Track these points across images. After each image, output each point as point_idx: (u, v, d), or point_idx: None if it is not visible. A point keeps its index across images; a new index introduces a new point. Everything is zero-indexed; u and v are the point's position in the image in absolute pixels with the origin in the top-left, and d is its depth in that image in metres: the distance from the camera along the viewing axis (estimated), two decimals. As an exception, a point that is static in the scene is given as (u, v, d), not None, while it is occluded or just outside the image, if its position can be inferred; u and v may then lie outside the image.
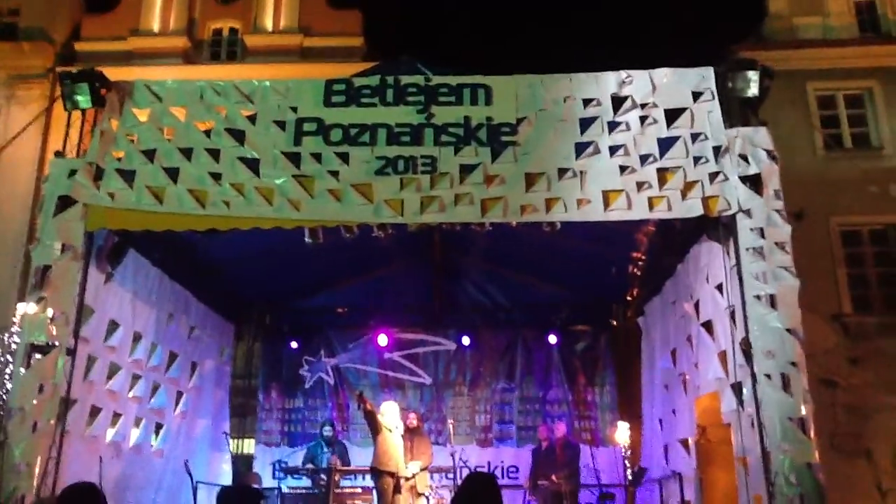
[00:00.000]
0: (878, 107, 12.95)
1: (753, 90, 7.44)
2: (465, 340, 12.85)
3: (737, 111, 7.61)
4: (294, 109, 7.65)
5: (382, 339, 12.72)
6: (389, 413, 9.29)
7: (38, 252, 7.39)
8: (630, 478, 10.81)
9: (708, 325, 8.11)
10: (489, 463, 12.29)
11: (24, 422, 6.89)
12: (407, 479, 8.92)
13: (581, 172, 7.37)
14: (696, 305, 8.51)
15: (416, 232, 8.30)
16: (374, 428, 9.12)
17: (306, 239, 8.01)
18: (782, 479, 6.35)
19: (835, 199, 12.06)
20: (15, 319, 9.20)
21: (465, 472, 9.30)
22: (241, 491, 5.34)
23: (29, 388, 7.02)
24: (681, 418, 9.39)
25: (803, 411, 6.58)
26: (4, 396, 8.40)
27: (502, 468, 12.28)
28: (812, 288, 8.48)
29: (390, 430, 9.04)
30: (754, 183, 7.24)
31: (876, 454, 8.02)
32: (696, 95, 7.55)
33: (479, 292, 13.07)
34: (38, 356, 7.12)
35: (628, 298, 11.91)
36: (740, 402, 6.97)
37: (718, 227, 7.48)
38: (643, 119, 7.53)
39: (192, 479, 9.65)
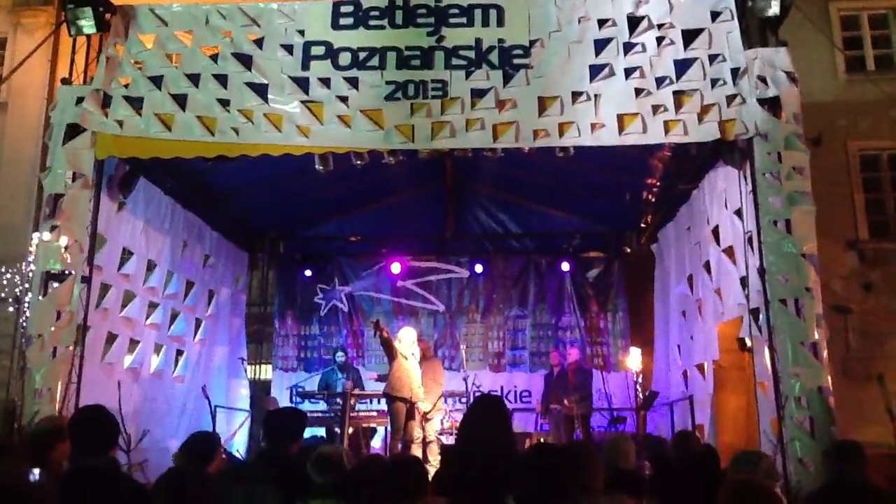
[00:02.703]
0: (904, 27, 12.53)
1: (774, 9, 7.18)
2: (478, 268, 12.89)
3: (756, 32, 7.38)
4: (301, 32, 7.48)
5: (395, 267, 12.78)
6: (406, 339, 9.35)
7: (50, 181, 7.39)
8: (641, 401, 10.94)
9: (729, 251, 8.05)
10: (502, 388, 12.45)
11: (44, 348, 7.01)
12: (416, 404, 9.00)
13: (595, 96, 7.21)
14: (715, 231, 8.44)
15: (427, 158, 8.21)
16: (391, 354, 9.20)
17: (317, 166, 7.97)
18: (792, 402, 6.39)
19: (855, 123, 11.77)
20: (31, 249, 9.26)
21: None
22: (289, 413, 5.44)
23: (46, 316, 7.12)
24: (698, 344, 9.44)
25: (815, 336, 6.58)
26: (24, 324, 8.51)
27: (515, 392, 12.47)
28: (828, 214, 8.38)
29: (405, 357, 9.12)
30: (772, 106, 7.06)
31: (887, 378, 8.02)
32: (715, 15, 7.32)
33: (491, 220, 13.05)
34: (54, 284, 7.20)
35: (642, 225, 11.86)
36: (758, 327, 6.98)
37: (735, 151, 7.34)
38: (660, 40, 7.32)
39: (210, 403, 9.88)
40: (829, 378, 6.55)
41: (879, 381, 7.79)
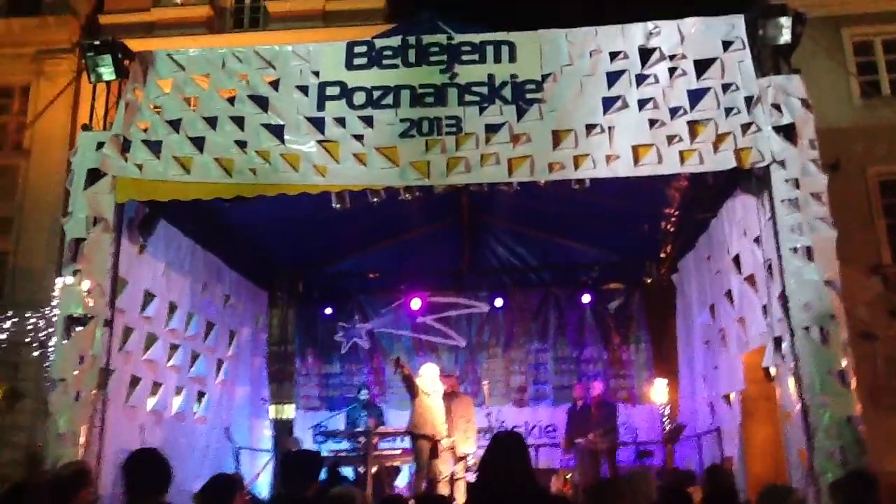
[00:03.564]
0: (917, 52, 12.51)
1: (786, 37, 7.19)
2: (498, 302, 12.84)
3: (769, 60, 7.38)
4: (316, 74, 7.58)
5: (415, 303, 12.78)
6: (428, 375, 9.31)
7: (71, 225, 7.48)
8: (667, 435, 10.78)
9: (751, 279, 7.97)
10: (526, 423, 12.32)
11: (67, 392, 7.04)
12: (439, 441, 8.94)
13: (609, 128, 7.22)
14: (736, 260, 8.37)
15: (442, 194, 8.24)
16: (412, 391, 9.17)
17: (334, 204, 8.02)
18: (822, 432, 6.27)
19: (872, 149, 11.73)
20: (54, 293, 9.37)
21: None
22: (306, 456, 5.45)
23: (69, 360, 7.16)
24: (723, 374, 9.30)
25: (843, 364, 6.47)
26: (47, 369, 8.58)
27: (539, 428, 12.33)
28: (850, 239, 8.29)
29: (427, 394, 9.07)
30: (788, 133, 7.03)
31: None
32: (727, 45, 7.33)
33: (508, 253, 13.03)
34: (76, 328, 7.25)
35: (661, 255, 11.79)
36: (781, 356, 6.88)
37: (752, 179, 7.31)
38: (672, 71, 7.33)
39: (233, 444, 9.86)
40: (859, 406, 6.43)
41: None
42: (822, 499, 6.07)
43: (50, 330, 9.43)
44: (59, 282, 8.18)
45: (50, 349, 8.97)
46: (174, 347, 9.42)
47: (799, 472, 6.47)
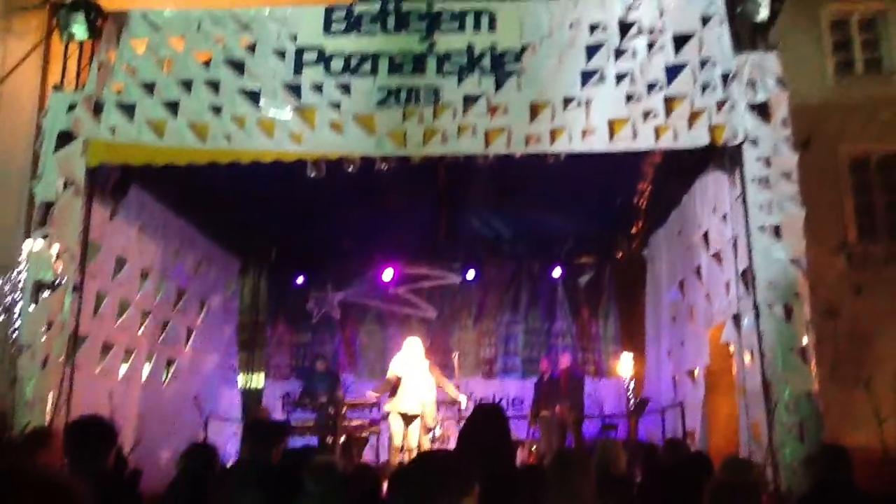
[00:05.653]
0: (892, 31, 12.62)
1: (763, 14, 7.24)
2: (470, 274, 12.88)
3: (746, 35, 7.44)
4: (293, 38, 7.50)
5: (387, 274, 12.77)
6: (408, 349, 9.29)
7: (41, 188, 7.37)
8: (632, 408, 10.95)
9: (717, 256, 8.10)
10: (494, 395, 12.44)
11: (34, 358, 6.99)
12: (416, 417, 8.98)
13: (587, 101, 7.25)
14: (705, 236, 8.48)
15: (419, 164, 8.21)
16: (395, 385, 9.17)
17: (309, 172, 7.96)
18: (782, 407, 6.42)
19: (844, 127, 11.84)
20: (21, 257, 9.21)
21: (471, 405, 9.43)
22: (270, 422, 5.48)
23: (37, 325, 7.10)
24: (689, 349, 9.46)
25: (804, 341, 6.62)
26: (14, 334, 8.46)
27: (507, 400, 12.45)
28: (817, 217, 8.41)
29: (402, 375, 9.09)
30: (762, 111, 7.12)
31: (875, 382, 8.07)
32: (706, 20, 7.38)
33: (483, 225, 13.00)
34: (45, 293, 7.17)
35: (633, 230, 11.88)
36: (739, 332, 7.01)
37: (724, 156, 7.39)
38: (650, 46, 7.37)
39: (201, 413, 9.84)
40: (818, 383, 6.58)
41: (867, 385, 7.83)
42: (782, 472, 6.24)
43: (16, 294, 9.26)
44: (26, 244, 8.04)
45: (16, 314, 8.82)
46: (146, 314, 9.35)
47: (751, 445, 6.63)
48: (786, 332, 6.61)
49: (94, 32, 7.55)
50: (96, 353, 8.16)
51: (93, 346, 8.04)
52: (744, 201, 7.04)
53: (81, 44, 7.73)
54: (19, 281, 9.04)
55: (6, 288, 10.89)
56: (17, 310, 8.90)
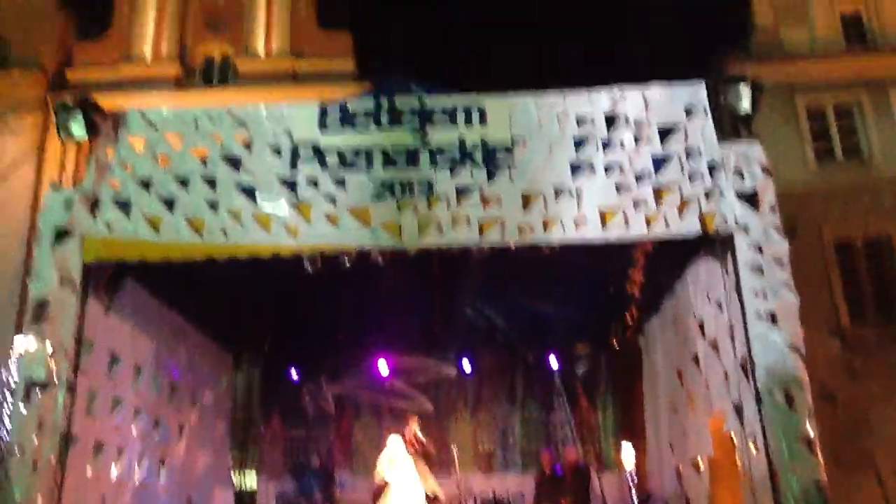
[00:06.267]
0: (868, 118, 13.03)
1: (746, 105, 7.47)
2: (466, 365, 12.75)
3: (729, 126, 7.66)
4: (289, 134, 7.65)
5: (382, 366, 12.63)
6: (393, 450, 9.14)
7: (36, 286, 7.34)
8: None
9: (714, 344, 8.07)
10: (494, 492, 12.08)
11: (24, 460, 6.81)
12: None
13: (577, 192, 7.38)
14: (701, 324, 8.47)
15: (414, 255, 8.26)
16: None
17: (307, 267, 7.96)
18: (791, 498, 6.28)
19: (827, 212, 12.09)
20: (12, 354, 9.09)
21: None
22: None
23: (29, 426, 6.94)
24: (691, 439, 9.28)
25: (809, 430, 6.54)
26: (3, 434, 8.27)
27: (508, 496, 12.11)
28: (809, 301, 8.45)
29: (389, 481, 8.93)
30: (750, 199, 7.25)
31: (881, 467, 7.96)
32: (689, 112, 7.57)
33: (477, 314, 12.99)
34: (37, 392, 7.04)
35: (627, 318, 11.85)
36: (742, 421, 6.93)
37: (716, 243, 7.47)
38: (637, 137, 7.55)
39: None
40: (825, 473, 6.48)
41: (872, 469, 7.71)
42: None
43: (6, 392, 9.10)
44: (17, 343, 7.95)
45: (5, 415, 8.65)
46: (137, 411, 9.16)
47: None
48: (789, 419, 6.55)
49: (92, 131, 7.67)
50: (88, 453, 7.92)
51: (84, 446, 7.81)
52: (738, 288, 7.08)
53: (79, 142, 7.85)
54: (8, 380, 8.90)
55: (-6, 385, 10.72)
56: (5, 410, 8.74)
